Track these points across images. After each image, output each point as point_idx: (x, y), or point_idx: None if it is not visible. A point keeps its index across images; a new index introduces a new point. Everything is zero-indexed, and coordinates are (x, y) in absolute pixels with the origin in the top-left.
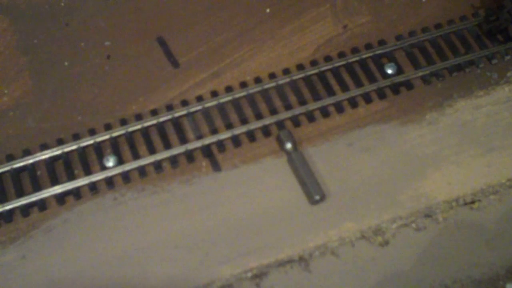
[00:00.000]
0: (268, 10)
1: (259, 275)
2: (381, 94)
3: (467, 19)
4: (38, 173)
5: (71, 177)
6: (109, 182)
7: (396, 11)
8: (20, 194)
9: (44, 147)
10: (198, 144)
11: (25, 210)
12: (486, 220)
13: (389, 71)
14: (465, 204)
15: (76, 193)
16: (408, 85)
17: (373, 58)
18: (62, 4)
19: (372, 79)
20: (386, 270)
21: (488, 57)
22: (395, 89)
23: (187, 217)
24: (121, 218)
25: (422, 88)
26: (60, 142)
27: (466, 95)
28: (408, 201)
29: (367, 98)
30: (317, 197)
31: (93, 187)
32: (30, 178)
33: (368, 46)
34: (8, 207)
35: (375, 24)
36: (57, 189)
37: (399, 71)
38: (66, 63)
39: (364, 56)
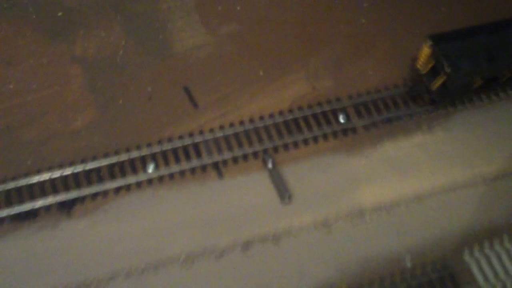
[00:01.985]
0: (261, 73)
1: (246, 246)
2: (334, 135)
3: (398, 86)
4: (101, 173)
5: (124, 176)
6: (149, 181)
7: (350, 78)
8: (89, 185)
9: (106, 155)
10: (209, 160)
11: (93, 196)
12: (397, 219)
13: (341, 120)
14: (385, 209)
15: (127, 187)
16: (354, 130)
17: (331, 110)
18: (118, 59)
19: (329, 124)
20: (329, 250)
21: (410, 114)
22: (345, 132)
23: (199, 206)
24: (155, 206)
25: (363, 132)
26: (117, 153)
27: (392, 139)
28: (347, 205)
29: (325, 137)
30: (286, 199)
31: (138, 184)
32: (96, 176)
33: (328, 102)
34: (82, 194)
35: (335, 87)
36: (114, 184)
37: (348, 120)
38: (120, 101)
39: (325, 109)
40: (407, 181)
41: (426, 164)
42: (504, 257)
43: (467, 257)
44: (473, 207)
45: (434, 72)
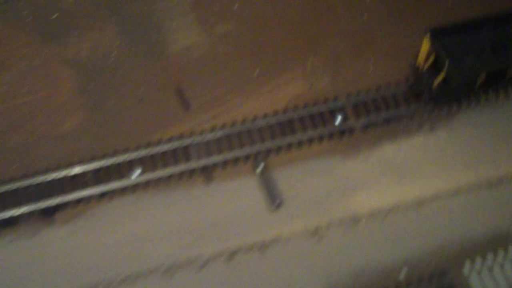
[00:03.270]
0: (256, 72)
1: (230, 256)
2: (330, 136)
3: (400, 84)
4: (86, 178)
5: (109, 181)
6: (134, 187)
7: (350, 76)
8: (73, 191)
9: (93, 159)
10: (197, 164)
11: (76, 202)
12: (393, 227)
13: (338, 120)
14: (380, 216)
15: (110, 193)
16: (351, 131)
17: (328, 110)
18: (111, 61)
19: (325, 125)
20: (319, 259)
21: (411, 113)
22: (341, 133)
23: (184, 213)
24: (139, 211)
25: (361, 133)
26: (104, 156)
27: (392, 140)
28: (340, 211)
29: (320, 139)
30: (275, 205)
31: (123, 189)
32: (81, 180)
33: (325, 101)
34: (65, 200)
35: (333, 85)
36: (98, 189)
37: (345, 120)
38: (110, 103)
39: (321, 109)
40: (406, 185)
41: (427, 167)
42: (509, 269)
43: (467, 270)
44: (476, 214)
45: (435, 68)
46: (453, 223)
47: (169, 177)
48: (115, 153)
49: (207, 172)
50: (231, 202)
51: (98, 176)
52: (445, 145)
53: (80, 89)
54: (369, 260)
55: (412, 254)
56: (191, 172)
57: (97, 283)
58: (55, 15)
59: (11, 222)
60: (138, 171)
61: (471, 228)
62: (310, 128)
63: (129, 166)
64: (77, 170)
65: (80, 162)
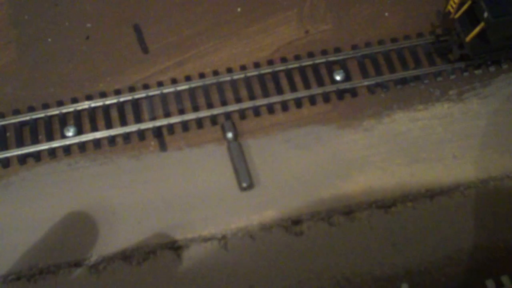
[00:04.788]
0: (239, 9)
1: (182, 247)
2: (326, 98)
3: (423, 36)
4: (8, 134)
5: (35, 141)
6: (66, 149)
7: (358, 22)
8: None
9: (16, 112)
10: (150, 125)
11: None
12: (397, 224)
13: (338, 78)
14: (382, 207)
15: (36, 156)
16: (353, 92)
17: (326, 64)
18: None
19: (320, 83)
20: (297, 257)
21: (434, 74)
22: (340, 94)
23: (129, 188)
24: (71, 182)
25: (366, 96)
26: (31, 109)
27: (406, 107)
28: (330, 198)
29: (312, 100)
30: (245, 185)
31: (52, 152)
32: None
33: (323, 52)
34: None
35: (335, 32)
36: (21, 150)
37: (347, 78)
38: (49, 39)
39: (317, 61)
40: (419, 168)
41: (448, 146)
42: None
43: (490, 284)
44: (509, 211)
45: (469, 18)
46: (479, 221)
47: (113, 139)
48: (45, 105)
49: (163, 136)
50: (189, 177)
51: (22, 134)
52: (475, 118)
53: (14, 19)
54: (362, 264)
55: (419, 259)
56: (143, 135)
57: (8, 273)
58: None
59: None
60: (72, 128)
61: (503, 230)
62: (301, 86)
63: (63, 122)
64: None
65: (0, 114)
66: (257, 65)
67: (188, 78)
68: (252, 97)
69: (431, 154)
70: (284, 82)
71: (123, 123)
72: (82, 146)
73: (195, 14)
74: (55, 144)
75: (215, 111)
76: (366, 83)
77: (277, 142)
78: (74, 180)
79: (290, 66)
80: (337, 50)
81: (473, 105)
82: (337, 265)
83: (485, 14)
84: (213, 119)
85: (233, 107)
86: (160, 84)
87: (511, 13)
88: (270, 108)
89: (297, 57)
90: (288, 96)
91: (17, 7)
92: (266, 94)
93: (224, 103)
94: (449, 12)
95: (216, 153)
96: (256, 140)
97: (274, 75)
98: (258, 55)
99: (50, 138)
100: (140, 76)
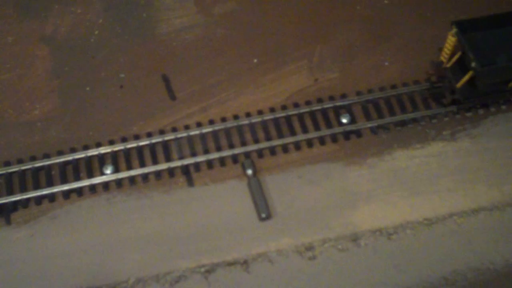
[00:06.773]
0: (255, 61)
1: (209, 270)
2: (334, 139)
3: (420, 83)
4: (53, 172)
5: (77, 178)
6: (105, 185)
7: (361, 71)
8: (36, 187)
9: (60, 153)
10: (178, 163)
11: (38, 200)
12: (398, 249)
13: (344, 120)
14: (385, 234)
15: (79, 191)
16: (358, 133)
17: (333, 108)
18: (92, 40)
19: (328, 125)
20: (310, 279)
21: (430, 116)
22: (346, 135)
23: (161, 219)
24: (110, 215)
25: (369, 137)
26: (73, 150)
27: (405, 146)
28: (338, 226)
29: (322, 141)
30: (264, 215)
31: (92, 188)
32: (46, 176)
33: (331, 98)
34: (25, 196)
35: (342, 80)
36: (65, 186)
37: (352, 121)
38: (87, 88)
39: (325, 106)
40: (417, 200)
41: (443, 181)
42: None
43: None
44: (499, 238)
45: (460, 66)
46: (470, 246)
47: (146, 176)
48: (85, 146)
49: (190, 173)
50: (214, 209)
51: (65, 172)
52: (466, 156)
53: (55, 71)
54: (368, 284)
55: (418, 279)
56: (172, 172)
57: None
58: None
59: None
60: (110, 166)
61: (491, 254)
62: (311, 127)
63: (101, 162)
64: (41, 163)
65: (46, 155)
66: (272, 110)
67: (211, 122)
68: (268, 138)
69: (428, 187)
70: (296, 125)
71: (155, 162)
72: (118, 182)
73: (217, 65)
74: (95, 181)
75: (236, 151)
76: (369, 125)
77: (291, 177)
78: (112, 213)
79: (301, 111)
80: (343, 96)
81: (465, 144)
82: (345, 285)
83: (473, 64)
84: (234, 158)
85: (252, 147)
86: (186, 127)
87: (496, 63)
88: (285, 148)
89: (307, 103)
90: (300, 137)
91: (58, 60)
92: (281, 136)
93: (243, 143)
94: (442, 62)
95: (238, 187)
96: (272, 176)
97: (288, 119)
98: (273, 101)
99: (90, 175)
100: (168, 120)
